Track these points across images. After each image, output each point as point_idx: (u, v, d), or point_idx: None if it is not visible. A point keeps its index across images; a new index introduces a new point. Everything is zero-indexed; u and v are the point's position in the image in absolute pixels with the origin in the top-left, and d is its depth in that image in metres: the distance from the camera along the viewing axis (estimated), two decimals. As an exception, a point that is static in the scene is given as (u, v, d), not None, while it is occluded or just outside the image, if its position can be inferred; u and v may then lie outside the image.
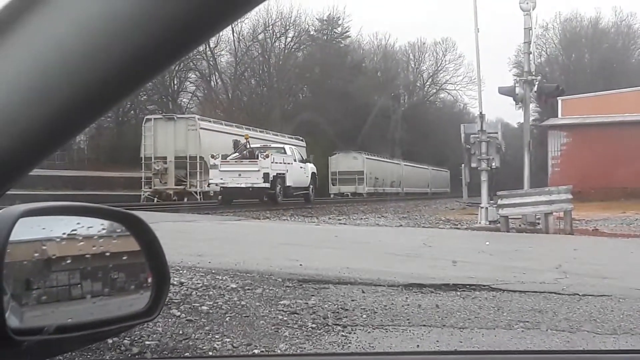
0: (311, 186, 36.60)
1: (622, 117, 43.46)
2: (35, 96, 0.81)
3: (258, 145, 33.83)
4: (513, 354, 1.35)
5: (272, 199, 32.03)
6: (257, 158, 31.51)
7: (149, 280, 1.39)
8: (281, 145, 35.50)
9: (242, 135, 34.43)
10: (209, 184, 33.00)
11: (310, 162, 37.66)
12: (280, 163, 32.60)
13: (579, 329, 6.50)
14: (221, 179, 31.34)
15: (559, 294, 8.21)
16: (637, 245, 15.33)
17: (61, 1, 0.79)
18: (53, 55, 0.80)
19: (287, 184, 33.16)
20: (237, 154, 32.21)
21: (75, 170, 46.69)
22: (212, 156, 32.15)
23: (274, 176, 31.51)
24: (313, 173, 37.18)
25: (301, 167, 35.33)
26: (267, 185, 31.11)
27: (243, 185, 31.03)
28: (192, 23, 0.78)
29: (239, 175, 31.01)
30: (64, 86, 0.81)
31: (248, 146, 32.66)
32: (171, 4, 0.77)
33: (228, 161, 31.68)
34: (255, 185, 30.95)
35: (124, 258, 1.39)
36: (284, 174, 32.74)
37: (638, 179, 40.32)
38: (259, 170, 30.98)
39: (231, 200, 31.82)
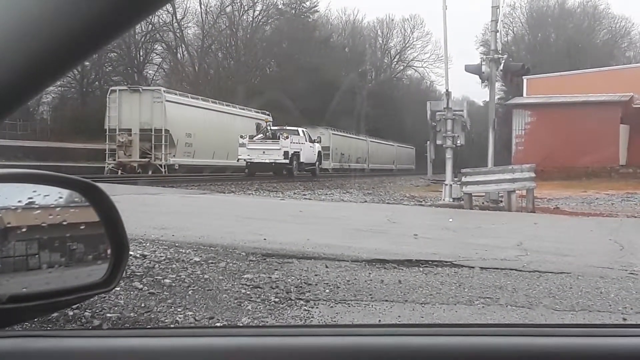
0: (317, 162, 43.27)
1: (586, 97, 43.95)
2: None
3: (276, 128, 40.29)
4: (472, 327, 1.38)
5: (289, 172, 38.47)
6: (279, 139, 37.95)
7: (108, 251, 1.38)
8: (295, 129, 41.19)
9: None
10: (238, 159, 38.63)
11: (317, 143, 44.02)
12: (296, 143, 39.51)
13: (537, 305, 6.60)
14: (248, 155, 37.65)
15: (520, 270, 8.33)
16: (597, 223, 15.56)
17: None
18: (13, 12, 0.78)
19: (301, 160, 40.26)
20: (261, 135, 38.79)
21: (38, 140, 46.07)
22: (241, 136, 38.16)
23: (291, 154, 38.35)
24: (319, 152, 43.85)
25: (310, 147, 42.04)
26: (287, 161, 37.93)
27: (267, 161, 37.43)
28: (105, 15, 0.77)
29: (263, 152, 37.58)
30: (27, 43, 0.79)
31: (269, 128, 39.45)
32: None
33: (254, 141, 38.11)
34: (277, 161, 37.47)
35: (82, 228, 1.37)
36: (298, 152, 39.74)
37: (600, 159, 40.93)
38: (280, 149, 37.55)
39: (255, 173, 37.83)
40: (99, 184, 1.39)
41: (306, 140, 41.39)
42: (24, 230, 1.26)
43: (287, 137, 38.22)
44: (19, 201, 1.25)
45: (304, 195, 25.67)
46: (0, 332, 1.23)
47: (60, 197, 1.33)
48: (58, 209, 1.32)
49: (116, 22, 0.78)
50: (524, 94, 48.72)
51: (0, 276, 1.22)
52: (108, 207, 1.35)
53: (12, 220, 1.25)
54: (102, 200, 1.35)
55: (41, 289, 1.25)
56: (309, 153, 41.48)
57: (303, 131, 41.88)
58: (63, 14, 0.76)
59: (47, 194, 1.30)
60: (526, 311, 6.36)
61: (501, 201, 20.22)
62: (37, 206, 1.29)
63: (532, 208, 19.15)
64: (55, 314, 4.99)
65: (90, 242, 1.40)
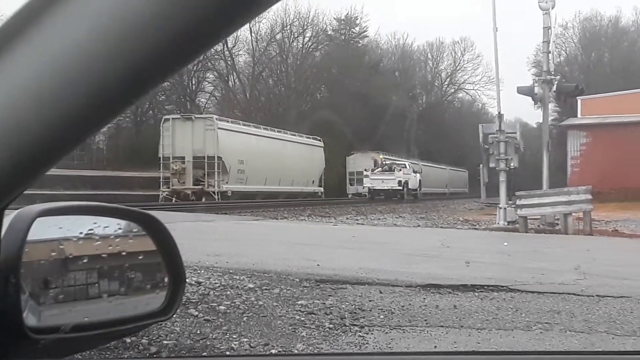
0: (418, 188, 53.01)
1: (643, 117, 43.10)
2: (52, 96, 0.82)
3: (388, 162, 52.07)
4: (531, 355, 1.34)
5: (401, 196, 48.47)
6: (394, 171, 49.70)
7: (165, 279, 1.40)
8: (403, 162, 53.06)
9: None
10: (363, 187, 50.84)
11: (419, 173, 53.72)
12: (406, 174, 50.37)
13: (597, 330, 6.46)
14: (371, 184, 49.19)
15: (578, 295, 8.16)
16: (657, 246, 15.20)
17: (76, 2, 0.79)
18: (69, 55, 0.80)
19: (409, 186, 50.42)
20: (379, 168, 50.60)
21: (94, 170, 46.91)
22: (365, 169, 50.43)
23: (403, 182, 49.30)
24: (419, 180, 53.59)
25: (414, 176, 52.17)
26: (400, 188, 49.05)
27: (385, 188, 48.76)
28: (206, 22, 0.78)
29: (382, 181, 49.08)
30: (81, 86, 0.81)
31: (383, 163, 51.57)
32: (184, 3, 0.77)
33: (375, 172, 49.74)
34: (393, 188, 48.80)
35: (140, 257, 1.40)
36: (407, 180, 50.15)
37: (658, 179, 39.99)
38: (395, 179, 49.12)
39: (374, 197, 47.92)
40: (156, 214, 1.42)
41: (412, 172, 51.83)
42: (85, 260, 1.29)
43: (400, 170, 49.57)
44: (80, 232, 1.28)
45: (357, 220, 25.64)
46: (63, 362, 1.25)
47: (119, 228, 1.35)
48: (117, 239, 1.34)
49: (207, 32, 0.80)
50: (579, 115, 48.01)
51: (63, 305, 1.24)
52: (165, 238, 1.38)
53: (73, 251, 1.28)
54: (159, 231, 1.37)
55: (102, 318, 1.27)
56: (413, 181, 51.74)
57: (409, 164, 52.83)
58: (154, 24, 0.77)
59: (107, 225, 1.33)
60: (585, 337, 6.23)
61: (557, 224, 19.90)
62: (97, 237, 1.32)
63: (590, 230, 18.80)
64: (113, 342, 5.05)
65: (148, 271, 1.42)
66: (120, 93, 0.84)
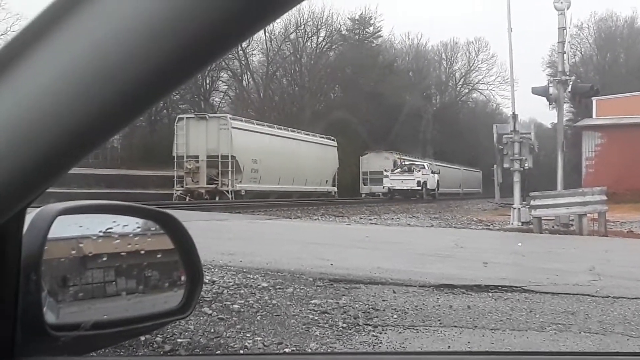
0: (436, 188, 53.73)
1: (658, 118, 42.82)
2: (75, 97, 0.83)
3: (407, 163, 53.66)
4: (545, 356, 1.34)
5: (420, 196, 49.58)
6: (412, 171, 50.77)
7: (182, 278, 1.41)
8: (422, 163, 54.31)
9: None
10: (383, 187, 51.10)
11: (437, 173, 54.61)
12: (424, 174, 51.29)
13: (612, 331, 6.43)
14: (390, 184, 50.12)
15: (593, 296, 8.13)
16: (673, 247, 15.10)
17: (98, 4, 0.80)
18: (91, 57, 0.81)
19: (427, 187, 51.42)
20: (399, 168, 52.08)
21: (109, 168, 47.07)
22: (385, 170, 51.53)
23: (422, 182, 50.40)
24: (437, 180, 54.22)
25: (432, 177, 53.09)
26: (419, 188, 50.13)
27: (404, 188, 49.64)
28: (228, 23, 0.78)
29: (402, 182, 49.98)
30: (104, 87, 0.82)
31: (403, 164, 53.10)
32: (206, 4, 0.78)
33: (395, 173, 51.07)
34: (412, 188, 49.73)
35: (158, 256, 1.41)
36: (425, 181, 51.12)
37: (674, 180, 39.71)
38: (414, 179, 50.07)
39: (394, 196, 48.82)
40: (173, 213, 1.43)
41: (430, 172, 52.91)
42: (104, 259, 1.30)
43: (419, 170, 50.83)
44: (99, 231, 1.29)
45: (370, 220, 25.62)
46: (83, 358, 1.26)
47: (138, 227, 1.37)
48: (136, 238, 1.36)
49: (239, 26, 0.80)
50: (594, 115, 47.74)
51: (82, 303, 1.26)
52: (183, 236, 1.39)
53: (92, 249, 1.30)
54: (177, 230, 1.38)
55: (121, 315, 1.28)
56: (432, 181, 52.72)
57: (427, 165, 54.18)
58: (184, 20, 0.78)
59: (126, 224, 1.34)
60: (600, 338, 6.20)
61: (572, 225, 19.81)
62: (115, 235, 1.33)
63: (604, 232, 18.70)
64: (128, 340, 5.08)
65: (166, 270, 1.43)
66: (142, 94, 0.84)
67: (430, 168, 53.70)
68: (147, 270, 1.39)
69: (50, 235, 1.14)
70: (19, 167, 0.87)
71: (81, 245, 1.28)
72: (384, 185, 50.70)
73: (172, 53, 0.80)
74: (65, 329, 1.16)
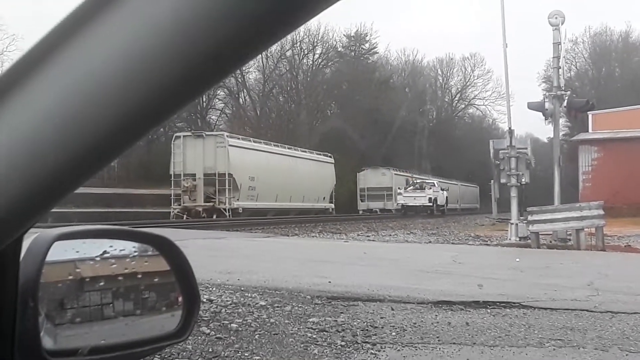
0: (445, 204, 56.87)
1: (654, 132, 42.93)
2: (107, 98, 0.82)
3: (419, 181, 57.08)
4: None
5: (431, 211, 52.31)
6: (424, 189, 54.14)
7: (179, 299, 1.41)
8: (432, 181, 57.63)
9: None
10: (396, 204, 54.86)
11: (445, 190, 58.12)
12: (435, 191, 54.45)
13: (611, 347, 6.42)
14: (404, 201, 53.18)
15: (591, 311, 8.12)
16: (671, 261, 15.10)
17: (131, 3, 0.79)
18: (124, 56, 0.80)
19: (438, 203, 54.43)
20: (411, 186, 55.37)
21: (106, 187, 47.07)
22: (399, 188, 55.01)
23: (432, 199, 53.57)
24: (446, 197, 57.80)
25: (442, 193, 56.42)
26: (430, 204, 53.24)
27: (417, 204, 52.71)
28: (263, 22, 0.77)
29: (414, 199, 53.15)
30: (141, 86, 0.81)
31: (414, 182, 56.68)
32: (243, 3, 0.76)
33: (407, 190, 54.17)
34: (423, 204, 52.92)
35: (156, 280, 1.41)
36: (436, 197, 54.27)
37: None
38: (425, 196, 53.40)
39: (407, 212, 51.33)
40: (167, 232, 1.43)
41: (440, 189, 56.13)
42: (101, 282, 1.30)
43: (430, 188, 54.18)
44: (97, 255, 1.29)
45: (368, 236, 25.60)
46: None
47: (135, 250, 1.37)
48: (133, 261, 1.36)
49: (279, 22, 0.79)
50: (590, 130, 47.89)
51: (79, 327, 1.26)
52: (180, 259, 1.39)
53: (89, 273, 1.30)
54: (173, 253, 1.39)
55: (118, 340, 1.28)
56: (441, 198, 55.83)
57: (437, 182, 57.32)
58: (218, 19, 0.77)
59: (123, 248, 1.34)
60: (599, 354, 6.19)
61: (569, 239, 19.80)
62: (112, 259, 1.33)
63: (602, 246, 18.70)
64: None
65: (163, 291, 1.43)
66: (175, 95, 0.83)
67: (439, 185, 56.84)
68: (144, 293, 1.40)
69: (47, 259, 1.14)
70: (20, 194, 0.88)
71: (78, 269, 1.28)
72: (398, 202, 53.98)
73: (208, 51, 0.78)
74: (62, 354, 1.16)
